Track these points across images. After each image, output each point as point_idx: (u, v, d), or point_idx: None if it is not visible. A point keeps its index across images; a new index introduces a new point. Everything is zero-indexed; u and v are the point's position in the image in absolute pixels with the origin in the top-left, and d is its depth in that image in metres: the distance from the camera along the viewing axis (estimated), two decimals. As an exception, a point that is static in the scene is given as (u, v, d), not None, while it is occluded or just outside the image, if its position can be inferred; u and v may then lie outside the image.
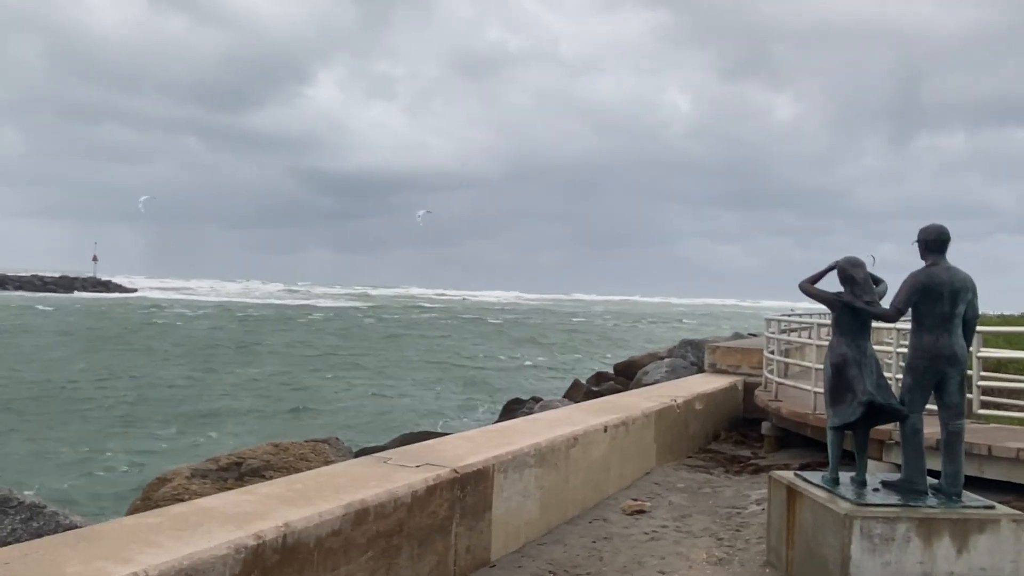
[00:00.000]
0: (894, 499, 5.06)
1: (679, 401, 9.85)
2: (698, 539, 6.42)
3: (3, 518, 5.40)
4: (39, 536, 4.36)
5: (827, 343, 5.69)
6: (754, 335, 24.02)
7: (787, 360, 11.59)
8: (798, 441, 10.04)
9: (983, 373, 8.88)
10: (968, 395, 7.24)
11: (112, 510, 11.86)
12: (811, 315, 14.40)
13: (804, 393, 9.83)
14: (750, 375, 12.53)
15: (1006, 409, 9.03)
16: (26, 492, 5.96)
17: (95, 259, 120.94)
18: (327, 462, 7.58)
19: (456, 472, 5.20)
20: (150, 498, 7.31)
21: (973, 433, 7.10)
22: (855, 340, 5.31)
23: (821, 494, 5.25)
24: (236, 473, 7.77)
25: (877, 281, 5.45)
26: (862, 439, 5.49)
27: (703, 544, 6.28)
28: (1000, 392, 9.76)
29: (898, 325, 7.46)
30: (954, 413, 5.16)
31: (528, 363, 43.18)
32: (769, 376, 11.35)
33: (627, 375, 18.47)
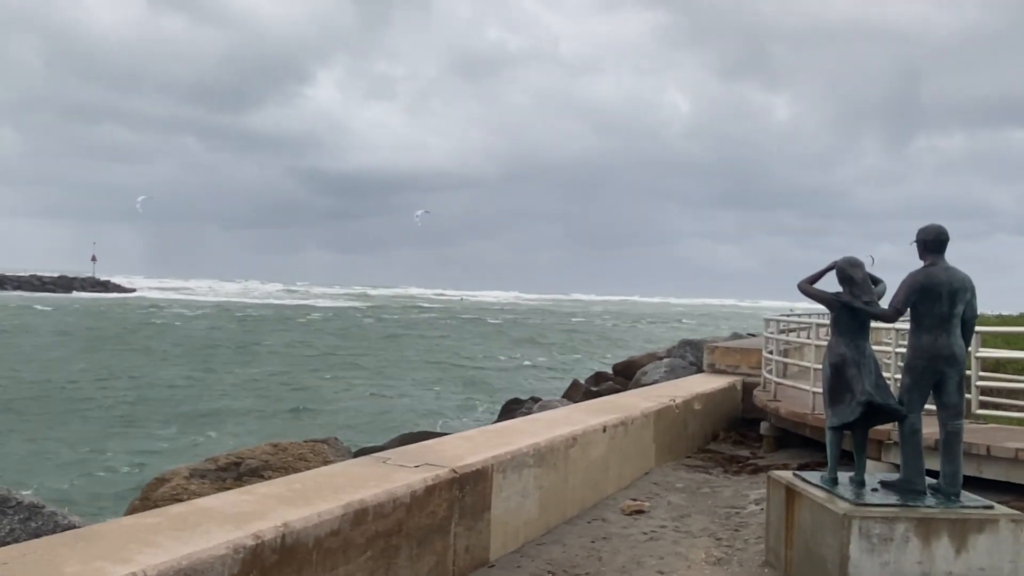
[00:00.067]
0: (893, 499, 5.06)
1: (678, 401, 9.85)
2: (697, 539, 6.42)
3: (1, 518, 5.39)
4: (37, 536, 4.35)
5: (826, 343, 5.69)
6: (753, 335, 24.02)
7: (786, 360, 11.59)
8: (797, 441, 10.05)
9: (982, 373, 8.88)
10: (967, 395, 7.25)
11: (111, 510, 11.86)
12: (810, 315, 14.41)
13: (803, 393, 9.83)
14: (749, 375, 12.53)
15: (1005, 409, 9.04)
16: (24, 492, 5.96)
17: (94, 259, 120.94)
18: (326, 462, 7.58)
19: (455, 472, 5.20)
20: (149, 498, 7.31)
21: (972, 433, 7.10)
22: (854, 340, 5.32)
23: (820, 494, 5.25)
24: (235, 473, 7.78)
25: (876, 281, 5.45)
26: (861, 439, 5.49)
27: (702, 544, 6.28)
28: (999, 392, 9.76)
29: (897, 325, 7.47)
30: (953, 413, 5.16)
31: (527, 363, 43.18)
32: (768, 376, 11.36)
33: (626, 375, 18.48)
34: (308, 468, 6.65)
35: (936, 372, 5.10)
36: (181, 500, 5.68)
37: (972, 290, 5.16)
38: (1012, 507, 5.41)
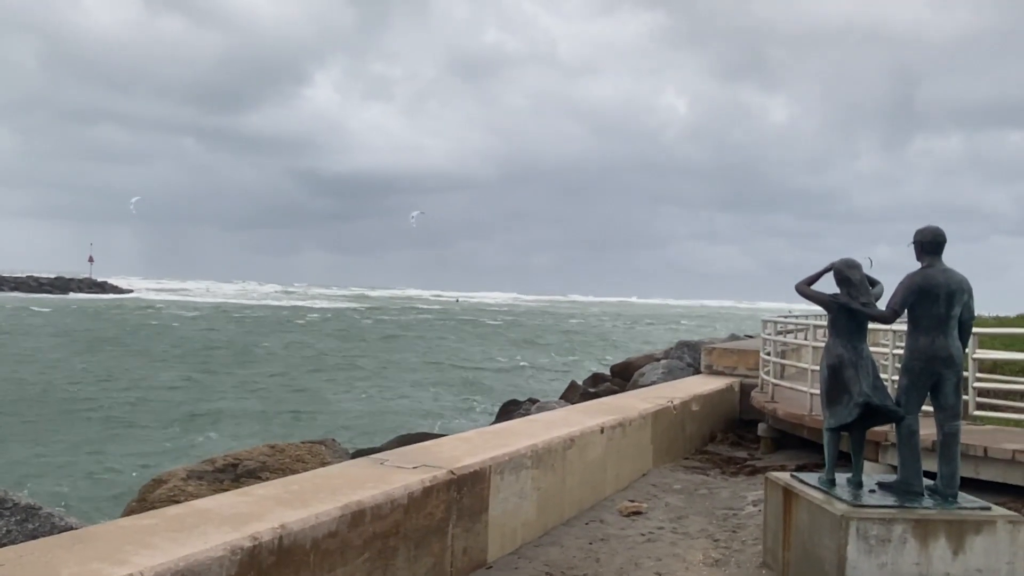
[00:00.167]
0: (890, 500, 5.06)
1: (676, 402, 9.86)
2: (694, 540, 6.42)
3: (-2, 520, 5.38)
4: (34, 538, 4.33)
5: (823, 345, 5.70)
6: (750, 336, 24.04)
7: (783, 361, 11.60)
8: (794, 442, 10.05)
9: (979, 375, 8.90)
10: (964, 397, 7.25)
11: (107, 512, 11.84)
12: (807, 316, 14.43)
13: (800, 394, 9.84)
14: (746, 376, 12.54)
15: (1002, 411, 9.05)
16: (21, 493, 5.94)
17: (91, 260, 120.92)
18: (323, 463, 7.58)
19: (453, 473, 5.20)
20: (146, 499, 7.30)
21: (969, 435, 7.11)
22: (851, 341, 5.32)
23: (817, 495, 5.25)
24: (232, 474, 7.76)
25: (873, 283, 5.46)
26: (858, 440, 5.49)
27: (699, 545, 6.28)
28: (996, 394, 9.77)
29: (894, 327, 7.47)
30: (950, 415, 5.16)
31: (525, 364, 43.19)
32: (765, 377, 11.36)
33: (624, 376, 18.48)
34: (306, 469, 6.64)
35: (934, 373, 5.10)
36: (178, 501, 5.67)
37: (969, 292, 5.17)
38: (1009, 508, 5.43)
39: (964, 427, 5.70)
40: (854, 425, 5.34)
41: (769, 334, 11.78)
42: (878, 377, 5.29)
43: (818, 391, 5.82)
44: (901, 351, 5.65)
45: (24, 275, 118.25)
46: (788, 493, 5.51)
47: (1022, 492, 7.07)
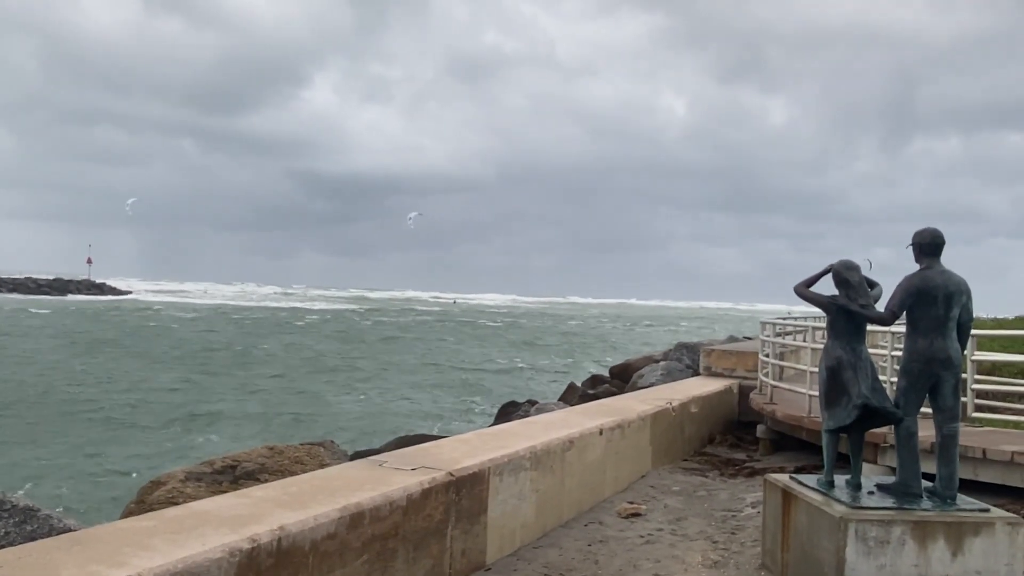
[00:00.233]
0: (889, 502, 5.06)
1: (674, 404, 9.86)
2: (693, 542, 6.42)
3: (-4, 521, 5.37)
4: (33, 539, 4.33)
5: (822, 346, 5.70)
6: (749, 338, 24.04)
7: (782, 363, 11.60)
8: (793, 444, 10.05)
9: (977, 376, 8.90)
10: (963, 398, 7.26)
11: (106, 513, 11.82)
12: (806, 318, 14.43)
13: (799, 396, 9.84)
14: (745, 378, 12.54)
15: (1000, 412, 9.05)
16: (20, 495, 5.94)
17: (89, 261, 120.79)
18: (322, 465, 7.57)
19: (452, 475, 5.20)
20: (144, 501, 7.29)
21: (968, 436, 7.12)
22: (850, 343, 5.32)
23: (816, 497, 5.25)
24: (231, 476, 7.75)
25: (872, 284, 5.46)
26: (857, 442, 5.49)
27: (698, 547, 6.28)
28: (995, 395, 9.78)
29: (893, 328, 7.48)
30: (949, 416, 5.17)
31: (524, 366, 43.19)
32: (764, 379, 11.36)
33: (623, 378, 18.47)
34: (304, 471, 6.64)
35: (932, 375, 5.11)
36: (177, 503, 5.66)
37: (968, 293, 5.17)
38: (1008, 510, 5.42)
39: (963, 429, 5.70)
40: (853, 427, 5.34)
41: (768, 336, 11.79)
42: (877, 379, 5.30)
43: (817, 393, 5.82)
44: (900, 353, 5.66)
45: (22, 276, 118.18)
46: (787, 495, 5.51)
47: (1021, 494, 7.07)
